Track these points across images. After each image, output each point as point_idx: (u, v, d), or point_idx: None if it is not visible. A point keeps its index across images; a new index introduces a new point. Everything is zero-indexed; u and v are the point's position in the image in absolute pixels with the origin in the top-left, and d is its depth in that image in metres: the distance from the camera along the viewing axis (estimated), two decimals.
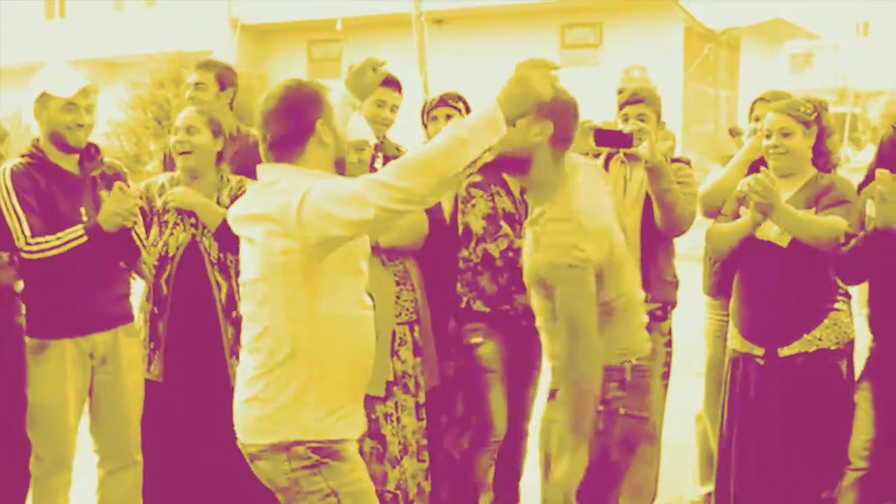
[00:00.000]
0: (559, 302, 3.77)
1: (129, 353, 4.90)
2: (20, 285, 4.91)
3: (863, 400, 4.75)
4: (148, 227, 5.00)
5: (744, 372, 4.95)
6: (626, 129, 4.97)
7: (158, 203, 5.03)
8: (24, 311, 4.92)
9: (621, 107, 5.35)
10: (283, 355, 3.51)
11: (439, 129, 5.28)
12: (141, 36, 29.66)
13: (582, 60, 26.60)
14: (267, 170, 3.60)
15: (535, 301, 4.03)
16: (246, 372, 3.62)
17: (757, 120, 5.52)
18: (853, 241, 4.54)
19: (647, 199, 5.25)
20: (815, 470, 4.83)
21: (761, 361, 4.85)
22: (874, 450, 4.64)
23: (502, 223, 5.23)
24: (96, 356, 4.81)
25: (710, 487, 5.49)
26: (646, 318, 4.17)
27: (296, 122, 3.54)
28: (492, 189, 5.26)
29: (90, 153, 4.84)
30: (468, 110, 5.43)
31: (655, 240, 5.30)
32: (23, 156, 4.74)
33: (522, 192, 5.22)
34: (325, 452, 3.55)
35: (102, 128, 25.75)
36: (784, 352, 4.77)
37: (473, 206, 5.26)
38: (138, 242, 4.82)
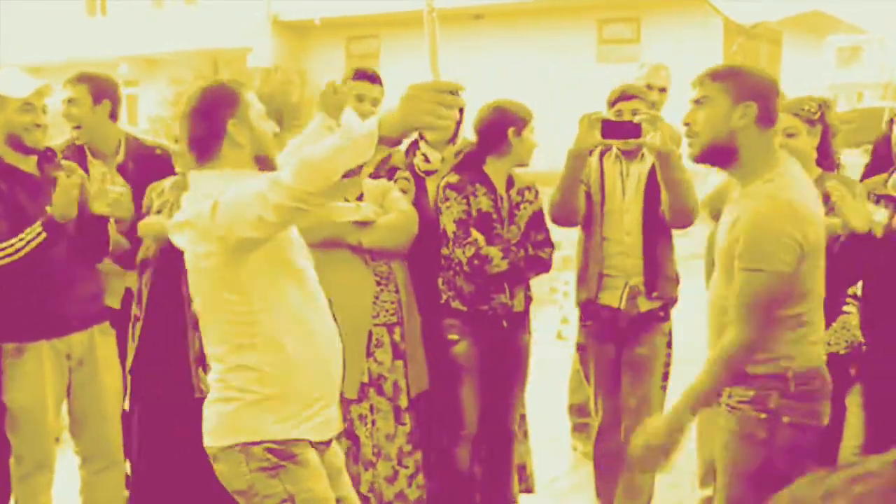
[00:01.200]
0: (745, 284, 3.63)
1: (105, 353, 4.91)
2: None
3: (853, 404, 4.73)
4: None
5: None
6: (635, 119, 4.91)
7: (156, 204, 5.01)
8: None
9: (613, 103, 5.29)
10: (234, 358, 3.54)
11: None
12: (181, 33, 29.90)
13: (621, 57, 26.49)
14: (194, 177, 3.61)
15: (716, 289, 3.88)
16: (212, 376, 3.66)
17: None
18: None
19: (646, 196, 5.21)
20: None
21: None
22: (864, 455, 4.54)
23: (472, 229, 5.18)
24: (73, 357, 4.81)
25: (710, 491, 5.51)
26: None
27: (206, 124, 3.55)
28: (468, 190, 5.22)
29: (47, 155, 4.82)
30: (460, 109, 5.38)
31: (657, 236, 5.24)
32: None
33: (508, 186, 5.18)
34: (283, 455, 3.54)
35: (143, 125, 25.98)
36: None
37: (448, 207, 5.22)
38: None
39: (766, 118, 3.73)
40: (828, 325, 4.62)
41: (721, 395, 3.77)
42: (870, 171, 5.40)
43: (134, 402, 5.02)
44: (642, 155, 5.25)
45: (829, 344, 4.64)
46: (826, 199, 4.67)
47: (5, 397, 4.76)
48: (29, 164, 4.75)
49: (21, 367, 4.71)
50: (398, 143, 3.24)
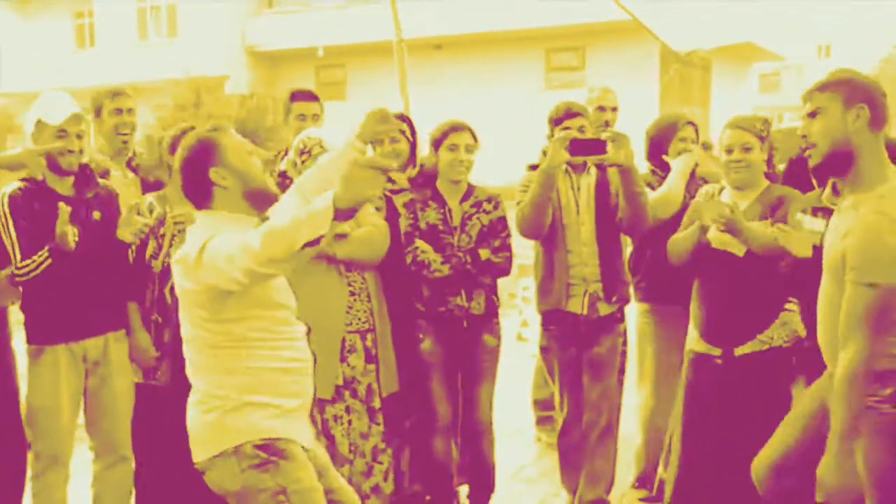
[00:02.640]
0: (859, 299, 3.48)
1: (118, 358, 4.84)
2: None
3: (797, 393, 4.71)
4: (142, 242, 4.87)
5: (702, 371, 4.85)
6: (603, 136, 4.90)
7: (151, 219, 4.91)
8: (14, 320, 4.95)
9: (559, 121, 5.23)
10: (216, 378, 3.56)
11: (385, 151, 5.24)
12: (164, 63, 29.72)
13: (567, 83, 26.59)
14: (197, 216, 3.65)
15: (826, 290, 3.76)
16: (192, 397, 3.64)
17: (682, 140, 5.59)
18: None
19: (597, 207, 5.19)
20: None
21: (719, 361, 4.77)
22: None
23: (418, 239, 5.23)
24: (88, 360, 4.75)
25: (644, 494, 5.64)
26: None
27: (192, 177, 3.59)
28: (416, 205, 5.27)
29: (85, 175, 4.78)
30: (413, 132, 5.35)
31: (611, 244, 5.21)
32: (21, 180, 4.65)
33: (464, 198, 5.21)
34: (272, 450, 3.51)
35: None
36: (739, 351, 4.72)
37: (402, 219, 5.27)
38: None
39: (878, 120, 3.61)
40: (771, 321, 4.70)
41: (861, 410, 3.54)
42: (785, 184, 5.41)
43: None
44: (588, 168, 5.21)
45: (771, 339, 4.69)
46: (773, 210, 4.69)
47: (26, 396, 4.77)
48: (65, 186, 4.70)
49: (39, 368, 4.69)
50: (351, 215, 3.21)
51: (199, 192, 3.59)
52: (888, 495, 3.59)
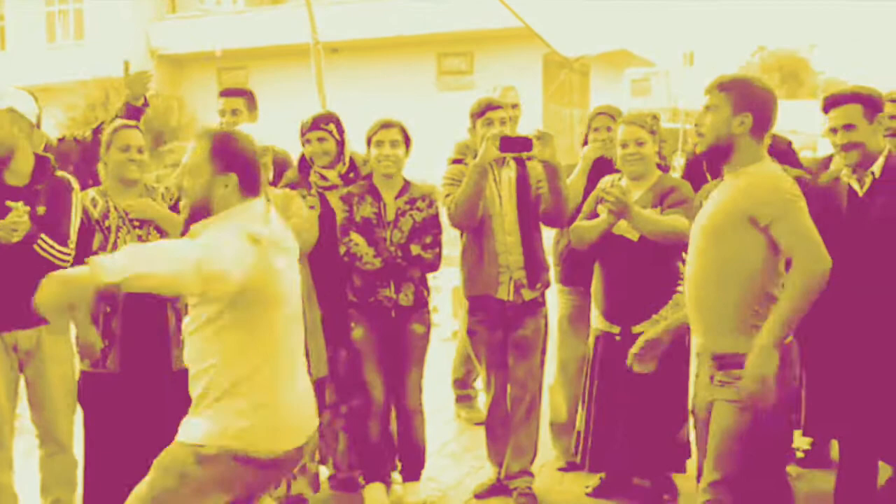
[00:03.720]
0: (794, 222, 3.58)
1: (53, 350, 4.63)
2: None
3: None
4: (89, 235, 4.70)
5: (604, 346, 5.04)
6: (530, 134, 4.91)
7: (96, 213, 4.74)
8: None
9: (481, 114, 5.24)
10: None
11: (315, 151, 5.16)
12: (73, 65, 29.02)
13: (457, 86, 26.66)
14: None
15: (693, 267, 3.80)
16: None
17: (596, 129, 5.67)
18: None
19: (519, 198, 5.20)
20: (665, 419, 4.99)
21: (618, 338, 4.94)
22: None
23: (353, 232, 5.17)
24: (20, 350, 4.56)
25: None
26: None
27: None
28: (353, 200, 5.21)
29: (41, 167, 4.62)
30: (340, 131, 5.27)
31: (532, 233, 5.23)
32: None
33: (400, 194, 5.19)
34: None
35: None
36: (636, 329, 4.88)
37: (339, 211, 5.24)
38: (53, 252, 4.51)
39: (760, 129, 3.74)
40: (665, 302, 4.89)
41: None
42: (685, 178, 5.57)
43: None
44: (508, 162, 5.21)
45: (665, 318, 4.80)
46: (663, 198, 4.93)
47: None
48: (19, 177, 4.58)
49: None
50: None
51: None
52: (732, 457, 3.71)
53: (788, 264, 3.64)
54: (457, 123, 5.41)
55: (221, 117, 5.88)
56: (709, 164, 3.95)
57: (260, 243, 3.19)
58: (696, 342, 3.96)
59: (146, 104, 5.56)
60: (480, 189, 5.02)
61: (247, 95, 6.03)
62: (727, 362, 3.71)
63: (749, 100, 3.73)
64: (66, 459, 4.76)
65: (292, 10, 26.55)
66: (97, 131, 5.48)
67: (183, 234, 3.42)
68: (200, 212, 3.31)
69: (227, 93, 6.04)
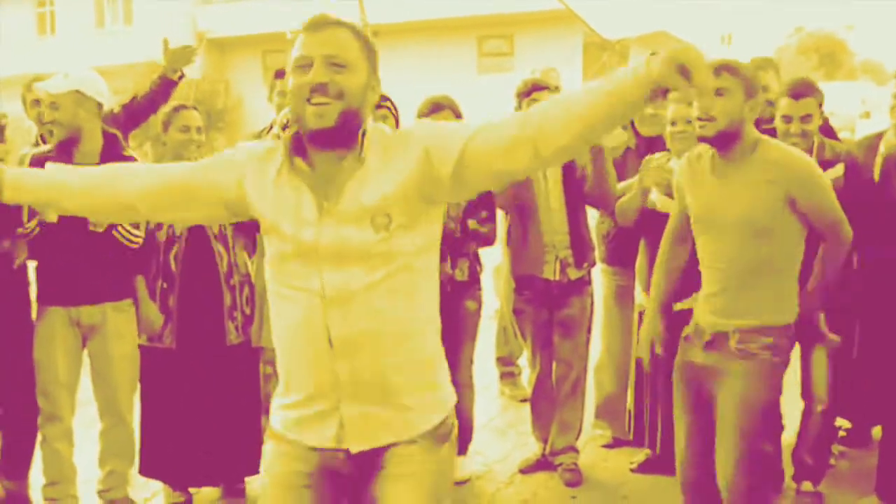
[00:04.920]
0: (826, 199, 3.74)
1: (116, 327, 4.68)
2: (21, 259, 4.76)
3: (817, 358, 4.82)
4: None
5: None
6: None
7: None
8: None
9: (527, 94, 5.24)
10: None
11: None
12: (121, 49, 29.19)
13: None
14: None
15: (730, 253, 3.80)
16: None
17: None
18: None
19: (564, 178, 5.17)
20: None
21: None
22: None
23: None
24: (83, 325, 4.62)
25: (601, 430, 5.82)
26: None
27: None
28: None
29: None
30: (395, 109, 5.28)
31: (578, 213, 5.21)
32: (37, 145, 4.64)
33: None
34: None
35: None
36: (678, 306, 4.66)
37: None
38: (128, 235, 4.59)
39: (756, 111, 3.79)
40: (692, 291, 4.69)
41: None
42: None
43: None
44: None
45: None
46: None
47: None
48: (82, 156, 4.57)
49: (39, 326, 4.66)
50: None
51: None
52: (756, 427, 3.77)
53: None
54: (497, 105, 5.39)
55: (277, 98, 5.85)
56: (715, 147, 3.81)
57: None
58: (701, 312, 3.92)
59: (181, 77, 5.58)
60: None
61: None
62: (757, 333, 3.73)
63: (755, 86, 3.76)
64: (124, 432, 4.82)
65: None
66: (127, 106, 5.54)
67: None
68: None
69: (280, 74, 6.02)
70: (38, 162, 4.41)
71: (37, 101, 5.40)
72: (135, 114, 5.57)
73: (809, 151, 4.58)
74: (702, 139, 3.82)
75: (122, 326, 4.70)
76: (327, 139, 2.40)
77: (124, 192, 2.58)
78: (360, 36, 2.47)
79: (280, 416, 2.60)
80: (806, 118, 4.62)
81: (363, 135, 2.44)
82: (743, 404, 3.69)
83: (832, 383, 4.79)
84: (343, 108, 2.38)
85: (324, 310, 2.41)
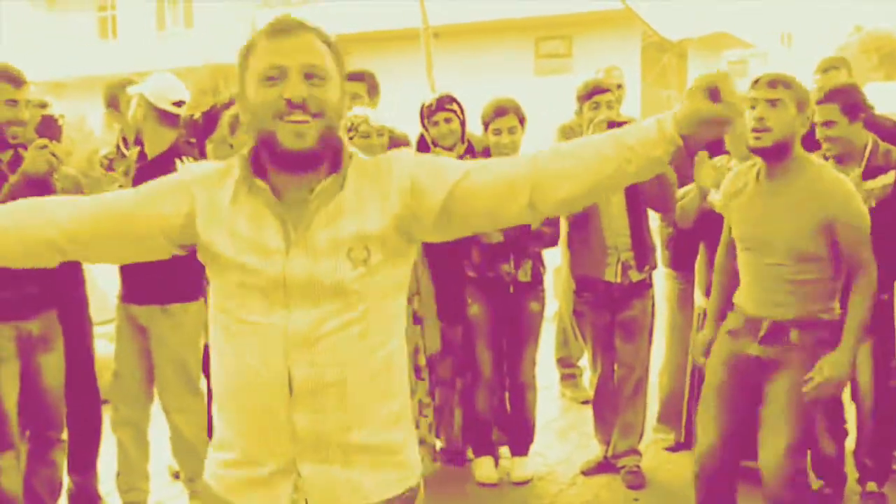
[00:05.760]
0: (860, 233, 3.78)
1: (158, 331, 4.69)
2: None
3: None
4: None
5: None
6: (637, 119, 4.88)
7: None
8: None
9: (588, 97, 5.27)
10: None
11: (441, 132, 5.20)
12: (182, 51, 29.52)
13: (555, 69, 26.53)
14: None
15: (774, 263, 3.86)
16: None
17: None
18: None
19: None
20: None
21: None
22: None
23: None
24: (140, 324, 4.71)
25: (663, 434, 5.80)
26: None
27: None
28: None
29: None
30: (462, 111, 5.31)
31: (639, 215, 5.20)
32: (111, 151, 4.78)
33: None
34: None
35: None
36: None
37: None
38: None
39: (806, 127, 3.88)
40: None
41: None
42: None
43: None
44: None
45: None
46: None
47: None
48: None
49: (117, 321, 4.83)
50: None
51: None
52: (807, 420, 3.89)
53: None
54: (555, 107, 5.41)
55: (352, 100, 5.87)
56: (767, 158, 3.85)
57: None
58: (750, 305, 3.95)
59: None
60: None
61: (368, 80, 5.95)
62: (809, 326, 3.82)
63: (806, 100, 3.80)
64: (190, 421, 4.79)
65: None
66: (207, 114, 5.60)
67: None
68: None
69: (348, 76, 6.01)
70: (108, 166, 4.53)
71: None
72: (214, 120, 5.63)
73: (842, 158, 4.55)
74: (756, 150, 3.84)
75: (166, 331, 4.68)
76: (303, 162, 2.10)
77: (43, 227, 2.13)
78: (328, 41, 2.17)
79: (218, 474, 2.21)
80: (828, 124, 4.55)
81: (349, 157, 2.17)
82: (799, 395, 3.75)
83: (878, 383, 4.74)
84: (323, 126, 2.08)
85: (286, 351, 2.07)
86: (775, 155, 3.80)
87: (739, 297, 4.03)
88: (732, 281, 4.16)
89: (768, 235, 3.85)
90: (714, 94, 1.95)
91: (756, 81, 3.83)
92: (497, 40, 28.31)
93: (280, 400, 2.07)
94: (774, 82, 3.73)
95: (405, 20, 20.95)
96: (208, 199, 2.14)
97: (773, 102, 3.72)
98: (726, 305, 4.19)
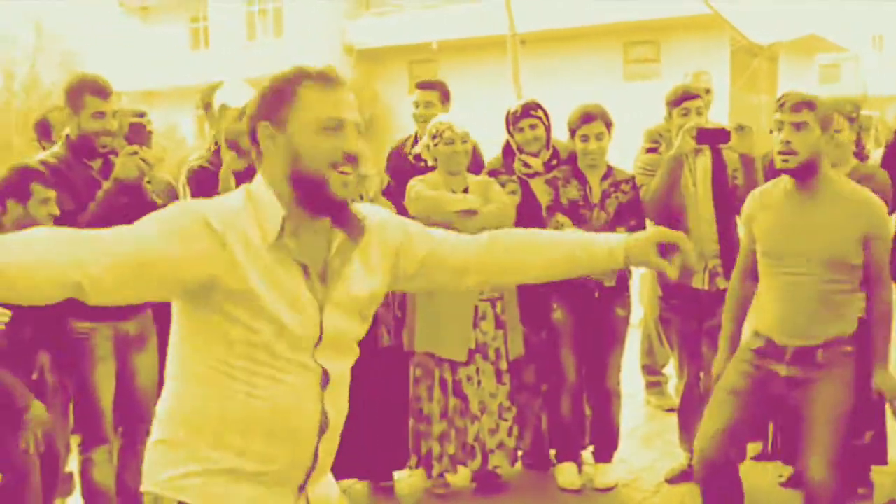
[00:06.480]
0: (883, 252, 3.92)
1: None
2: None
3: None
4: None
5: None
6: (728, 126, 4.93)
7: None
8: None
9: (678, 103, 5.26)
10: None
11: (526, 138, 5.26)
12: (271, 61, 29.86)
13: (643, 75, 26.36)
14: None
15: (810, 277, 3.95)
16: None
17: None
18: None
19: (714, 186, 5.16)
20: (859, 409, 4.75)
21: None
22: None
23: (558, 213, 5.23)
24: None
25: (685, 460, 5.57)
26: None
27: (250, 123, 2.30)
28: (558, 182, 5.28)
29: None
30: (547, 117, 5.35)
31: (727, 221, 5.20)
32: (202, 158, 4.73)
33: (604, 177, 5.27)
34: None
35: None
36: None
37: (544, 195, 5.34)
38: None
39: (831, 144, 4.11)
40: None
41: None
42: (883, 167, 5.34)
43: None
44: (703, 150, 5.18)
45: None
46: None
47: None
48: (242, 165, 4.67)
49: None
50: None
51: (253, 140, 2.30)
52: (843, 432, 3.96)
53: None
54: (643, 112, 5.42)
55: (416, 108, 6.02)
56: (795, 177, 3.97)
57: None
58: (775, 333, 4.01)
59: None
60: (676, 179, 5.03)
61: (440, 88, 6.12)
62: (833, 345, 3.92)
63: (830, 120, 3.95)
64: None
65: (481, 4, 26.79)
66: None
67: None
68: None
69: (422, 85, 6.16)
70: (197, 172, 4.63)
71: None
72: None
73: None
74: (784, 171, 3.96)
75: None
76: (339, 209, 2.23)
77: (67, 268, 1.92)
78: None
79: (216, 482, 2.25)
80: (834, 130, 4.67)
81: (364, 219, 2.30)
82: (835, 409, 3.88)
83: None
84: (358, 179, 2.30)
85: (320, 394, 2.29)
86: (802, 175, 3.92)
87: (762, 324, 4.11)
88: (746, 306, 4.28)
89: (803, 245, 3.94)
90: (664, 249, 2.30)
91: (781, 104, 3.96)
92: (585, 46, 28.25)
93: (312, 433, 2.31)
94: (799, 105, 3.88)
95: (493, 28, 21.03)
96: (244, 247, 2.15)
97: (797, 126, 3.86)
98: (738, 332, 4.30)
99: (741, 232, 4.57)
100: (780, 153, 3.90)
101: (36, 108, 21.40)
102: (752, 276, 4.21)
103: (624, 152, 6.37)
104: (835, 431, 3.88)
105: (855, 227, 3.88)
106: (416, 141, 5.90)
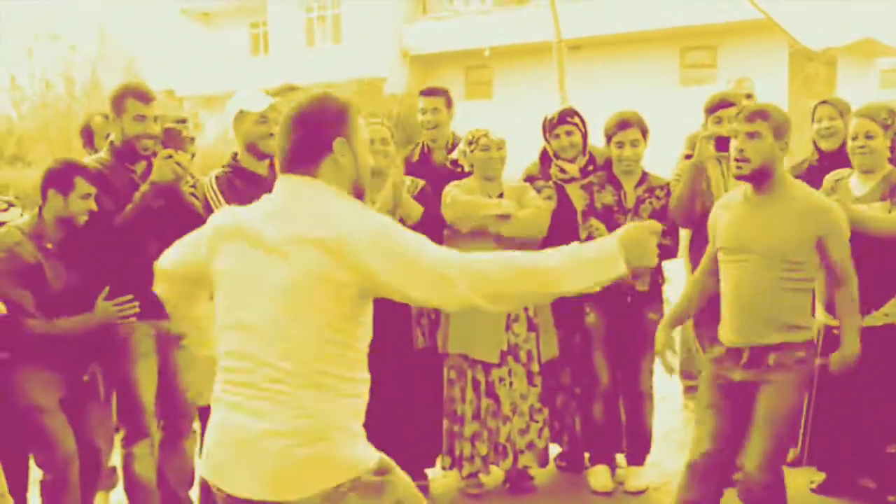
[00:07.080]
0: (844, 248, 4.17)
1: None
2: None
3: None
4: None
5: (826, 341, 4.92)
6: None
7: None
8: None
9: (713, 110, 5.40)
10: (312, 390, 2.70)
11: (563, 144, 5.32)
12: (330, 66, 30.21)
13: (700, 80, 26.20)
14: (294, 182, 2.75)
15: (753, 274, 4.14)
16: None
17: (819, 121, 5.62)
18: None
19: None
20: (888, 424, 4.95)
21: (836, 331, 4.67)
22: None
23: (593, 218, 5.34)
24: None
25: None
26: None
27: (313, 134, 2.71)
28: (594, 188, 5.38)
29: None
30: (583, 124, 5.42)
31: None
32: (223, 165, 4.79)
33: (639, 183, 5.37)
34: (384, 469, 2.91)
35: None
36: (867, 321, 4.69)
37: (579, 200, 5.43)
38: None
39: (786, 149, 4.20)
40: (887, 299, 4.84)
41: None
42: None
43: None
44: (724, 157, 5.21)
45: (886, 315, 4.84)
46: (893, 192, 4.86)
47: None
48: (262, 167, 4.75)
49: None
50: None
51: (310, 154, 2.71)
52: (785, 434, 4.22)
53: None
54: (700, 118, 5.47)
55: (422, 115, 6.08)
56: (750, 182, 4.19)
57: None
58: (731, 335, 4.22)
59: None
60: (697, 187, 5.08)
61: (444, 95, 6.18)
62: (785, 349, 4.10)
63: (784, 128, 4.13)
64: None
65: (536, 9, 26.77)
66: None
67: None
68: None
69: (426, 92, 6.20)
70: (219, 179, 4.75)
71: None
72: None
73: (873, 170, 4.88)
74: (738, 178, 4.19)
75: None
76: None
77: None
78: None
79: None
80: (868, 136, 4.86)
81: None
82: (778, 409, 4.08)
83: None
84: None
85: None
86: (756, 180, 4.16)
87: (721, 330, 4.31)
88: (699, 301, 4.53)
89: (760, 239, 4.12)
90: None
91: (738, 114, 4.23)
92: (641, 51, 28.12)
93: None
94: (753, 116, 4.13)
95: (545, 33, 21.06)
96: None
97: (751, 135, 4.09)
98: (681, 318, 4.72)
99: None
100: (735, 160, 4.14)
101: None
102: (715, 274, 4.38)
103: (666, 158, 6.43)
104: (774, 431, 4.06)
105: (806, 229, 4.09)
106: (423, 150, 6.01)
